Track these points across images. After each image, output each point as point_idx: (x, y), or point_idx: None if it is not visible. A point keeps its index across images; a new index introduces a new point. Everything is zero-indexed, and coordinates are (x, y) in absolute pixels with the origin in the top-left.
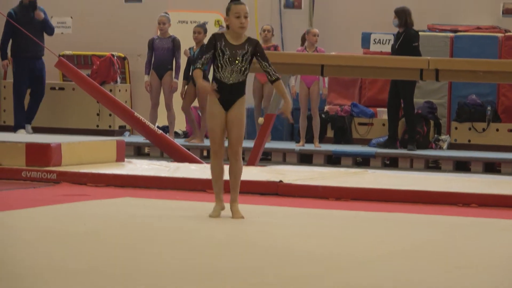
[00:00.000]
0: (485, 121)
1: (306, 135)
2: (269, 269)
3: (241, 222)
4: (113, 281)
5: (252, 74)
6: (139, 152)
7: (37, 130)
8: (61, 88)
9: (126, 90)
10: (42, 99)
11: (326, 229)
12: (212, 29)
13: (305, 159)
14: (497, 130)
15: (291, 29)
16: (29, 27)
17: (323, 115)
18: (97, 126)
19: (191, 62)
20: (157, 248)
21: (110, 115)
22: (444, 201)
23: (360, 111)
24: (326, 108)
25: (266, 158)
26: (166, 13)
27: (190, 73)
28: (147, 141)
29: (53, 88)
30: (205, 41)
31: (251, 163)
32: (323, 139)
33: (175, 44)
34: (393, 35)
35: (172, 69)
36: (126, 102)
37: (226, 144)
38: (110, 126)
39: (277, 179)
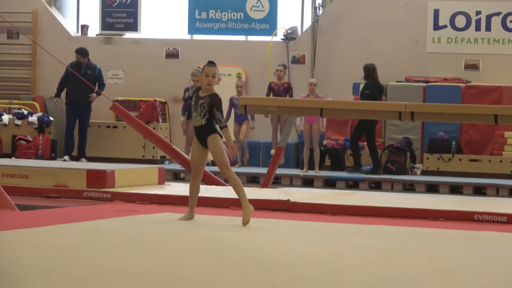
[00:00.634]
0: (451, 153)
1: (309, 163)
2: (278, 270)
3: (260, 233)
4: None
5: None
6: (176, 177)
7: (96, 159)
8: (115, 126)
9: (166, 128)
10: (88, 136)
11: (324, 238)
12: (234, 80)
13: (308, 182)
14: (460, 160)
15: (297, 80)
16: (81, 81)
17: (322, 148)
18: (143, 156)
19: (186, 101)
20: (189, 250)
21: (153, 147)
22: (418, 216)
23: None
24: (325, 142)
25: (277, 181)
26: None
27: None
28: (183, 168)
29: (108, 126)
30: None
31: (264, 185)
32: (322, 167)
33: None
34: None
35: None
36: (166, 137)
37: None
38: (153, 156)
39: (285, 198)
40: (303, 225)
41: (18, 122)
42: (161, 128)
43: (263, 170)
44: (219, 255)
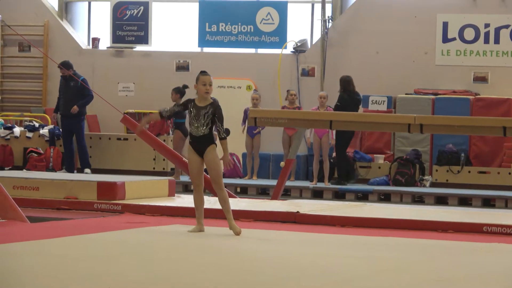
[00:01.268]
0: (460, 165)
1: (318, 176)
2: (287, 280)
3: (269, 244)
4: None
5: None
6: (186, 189)
7: (106, 171)
8: (125, 139)
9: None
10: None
11: (333, 250)
12: (244, 92)
13: (317, 194)
14: (469, 172)
15: (307, 92)
16: (68, 93)
17: (331, 160)
18: (154, 168)
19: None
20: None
21: (163, 159)
22: (427, 228)
23: (360, 156)
24: (334, 154)
25: (286, 193)
26: (255, 90)
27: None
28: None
29: (119, 139)
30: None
31: (274, 197)
32: (331, 179)
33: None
34: (386, 97)
35: None
36: (175, 149)
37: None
38: (163, 168)
39: (295, 210)
40: (312, 237)
41: (30, 134)
42: (171, 140)
43: (273, 182)
44: (229, 266)
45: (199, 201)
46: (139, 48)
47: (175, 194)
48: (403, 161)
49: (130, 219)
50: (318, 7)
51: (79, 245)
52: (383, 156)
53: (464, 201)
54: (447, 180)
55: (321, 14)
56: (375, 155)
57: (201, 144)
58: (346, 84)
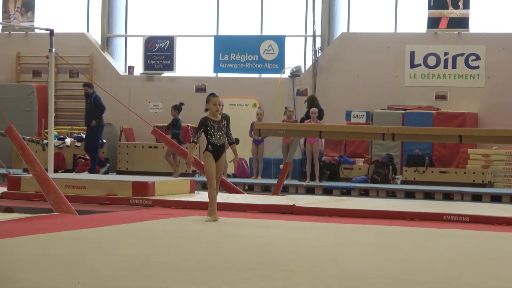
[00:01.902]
0: (425, 166)
1: (310, 176)
2: (287, 259)
3: (271, 231)
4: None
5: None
6: (204, 186)
7: (140, 173)
8: (155, 147)
9: (196, 148)
10: (134, 155)
11: (322, 235)
12: (250, 109)
13: (310, 191)
14: (432, 172)
15: (301, 109)
16: (87, 107)
17: (321, 163)
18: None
19: (167, 127)
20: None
21: (186, 163)
22: (398, 217)
23: (344, 160)
24: (323, 158)
25: (285, 190)
26: (259, 107)
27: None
28: None
29: (150, 147)
30: (179, 116)
31: (275, 193)
32: (321, 178)
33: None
34: (365, 112)
35: None
36: (196, 155)
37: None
38: (186, 171)
39: (291, 203)
40: (306, 225)
41: (78, 144)
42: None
43: (274, 181)
44: (239, 248)
45: (215, 197)
46: (166, 74)
47: (195, 191)
48: (379, 163)
49: (159, 212)
50: (310, 40)
51: (118, 233)
52: (363, 159)
53: (428, 195)
54: (414, 179)
55: (312, 45)
56: (356, 159)
57: (221, 151)
58: (311, 101)
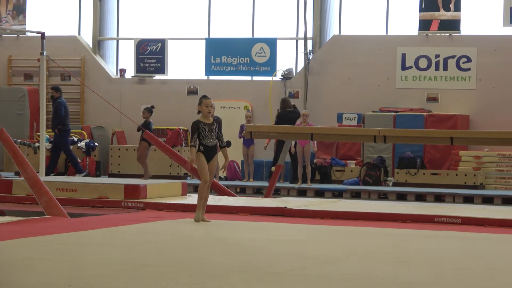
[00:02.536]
0: (416, 168)
1: (302, 178)
2: (277, 261)
3: (263, 233)
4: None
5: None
6: (196, 189)
7: (131, 176)
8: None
9: (188, 151)
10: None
11: (314, 237)
12: (242, 112)
13: (302, 193)
14: (424, 174)
15: None
16: (52, 111)
17: (313, 165)
18: (170, 173)
19: (141, 128)
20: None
21: (178, 166)
22: (390, 219)
23: (336, 162)
24: (315, 160)
25: (277, 192)
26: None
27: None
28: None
29: None
30: (150, 119)
31: (267, 195)
32: (313, 180)
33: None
34: (357, 114)
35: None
36: (188, 158)
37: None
38: (178, 173)
39: (283, 206)
40: (298, 227)
41: (70, 147)
42: (184, 151)
43: (266, 184)
44: (230, 251)
45: (206, 193)
46: (158, 76)
47: (187, 194)
48: (370, 165)
49: (151, 214)
50: (301, 42)
51: (110, 236)
52: (355, 161)
53: (420, 197)
54: (406, 181)
55: (304, 48)
56: (348, 161)
57: (213, 152)
58: (282, 103)
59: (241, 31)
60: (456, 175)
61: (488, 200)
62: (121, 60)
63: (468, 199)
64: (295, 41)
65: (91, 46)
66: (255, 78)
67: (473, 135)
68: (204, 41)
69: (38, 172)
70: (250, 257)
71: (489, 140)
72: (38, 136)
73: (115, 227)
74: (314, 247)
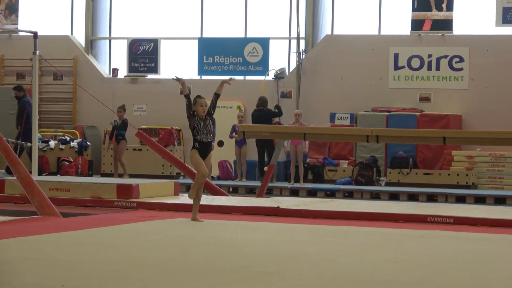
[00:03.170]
0: (409, 168)
1: (295, 178)
2: (269, 261)
3: (255, 233)
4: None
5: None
6: (188, 189)
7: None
8: (140, 149)
9: (180, 150)
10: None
11: (306, 237)
12: (235, 112)
13: (294, 192)
14: (416, 173)
15: (285, 111)
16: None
17: (305, 165)
18: (162, 173)
19: (114, 129)
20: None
21: (170, 166)
22: (383, 219)
23: (329, 162)
24: (308, 160)
25: (269, 192)
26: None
27: (112, 136)
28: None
29: (134, 149)
30: (125, 116)
31: (259, 195)
32: (305, 180)
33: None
34: (349, 114)
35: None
36: (180, 157)
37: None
38: (170, 173)
39: (276, 205)
40: (290, 227)
41: (62, 146)
42: (176, 150)
43: (258, 183)
44: (223, 250)
45: (200, 192)
46: (150, 76)
47: (180, 194)
48: (363, 165)
49: (143, 214)
50: (294, 42)
51: (103, 235)
52: (347, 161)
53: (412, 197)
54: (398, 180)
55: (296, 48)
56: (340, 161)
57: (208, 149)
58: (258, 102)
59: (234, 31)
60: (449, 175)
61: (480, 200)
62: (114, 59)
63: (461, 199)
64: (287, 40)
65: (83, 45)
66: (248, 77)
67: (466, 135)
68: (197, 40)
69: (30, 172)
70: (243, 256)
71: (481, 140)
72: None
73: (108, 226)
74: (307, 247)
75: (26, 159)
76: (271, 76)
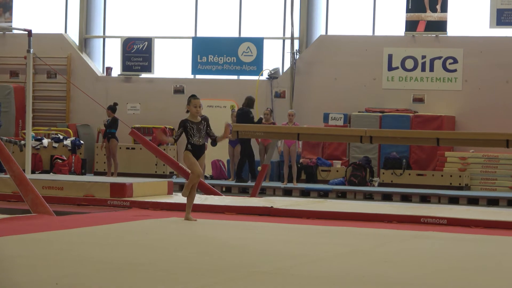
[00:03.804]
0: (402, 169)
1: (288, 178)
2: (263, 261)
3: (249, 233)
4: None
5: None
6: (181, 188)
7: (119, 174)
8: (133, 148)
9: (174, 149)
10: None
11: (300, 237)
12: (228, 111)
13: (288, 192)
14: (409, 174)
15: (279, 111)
16: None
17: (299, 165)
18: (155, 172)
19: (106, 127)
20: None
21: (163, 165)
22: (376, 219)
23: (322, 162)
24: (301, 160)
25: (263, 192)
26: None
27: (105, 135)
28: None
29: (128, 148)
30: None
31: (252, 195)
32: (299, 180)
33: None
34: (343, 114)
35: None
36: (174, 157)
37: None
38: (163, 172)
39: (269, 205)
40: (283, 226)
41: (55, 144)
42: (170, 150)
43: (252, 183)
44: (216, 250)
45: (193, 192)
46: (144, 75)
47: (173, 193)
48: (356, 165)
49: (137, 213)
50: (288, 42)
51: (96, 234)
52: (340, 161)
53: (405, 198)
54: (391, 181)
55: (290, 48)
56: (334, 161)
57: (201, 151)
58: (249, 100)
59: (228, 31)
60: (442, 176)
61: (473, 201)
62: (108, 58)
63: (454, 200)
64: (281, 40)
65: (77, 44)
66: (242, 77)
67: (459, 136)
68: (191, 40)
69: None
70: (236, 256)
71: (474, 141)
72: (24, 133)
73: (101, 225)
74: (300, 247)
75: (21, 157)
76: (265, 76)
